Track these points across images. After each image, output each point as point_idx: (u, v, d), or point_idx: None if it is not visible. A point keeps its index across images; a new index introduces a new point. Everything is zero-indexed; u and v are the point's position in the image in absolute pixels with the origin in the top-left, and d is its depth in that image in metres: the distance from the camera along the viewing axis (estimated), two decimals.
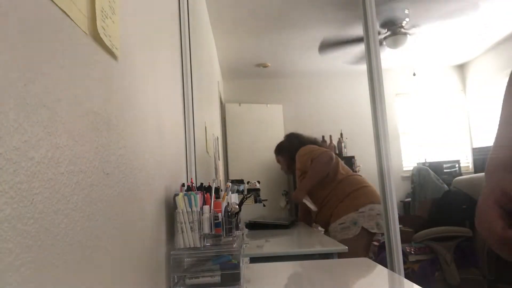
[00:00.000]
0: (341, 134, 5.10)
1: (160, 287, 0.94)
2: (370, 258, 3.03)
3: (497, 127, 0.60)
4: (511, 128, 0.56)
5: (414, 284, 1.05)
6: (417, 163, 4.67)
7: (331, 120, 5.13)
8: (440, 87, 5.41)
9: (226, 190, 1.11)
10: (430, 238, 3.02)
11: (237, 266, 0.99)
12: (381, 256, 3.06)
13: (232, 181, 2.74)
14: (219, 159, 3.67)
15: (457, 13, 3.63)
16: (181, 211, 0.98)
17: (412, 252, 3.02)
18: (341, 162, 2.48)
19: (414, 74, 5.12)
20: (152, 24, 1.05)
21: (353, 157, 4.92)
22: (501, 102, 0.62)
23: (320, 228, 2.58)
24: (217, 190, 1.06)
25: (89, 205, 0.53)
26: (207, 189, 1.07)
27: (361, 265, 1.36)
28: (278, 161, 2.82)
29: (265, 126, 5.14)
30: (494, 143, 0.59)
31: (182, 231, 0.98)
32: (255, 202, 2.88)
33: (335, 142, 5.07)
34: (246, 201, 1.93)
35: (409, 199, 4.59)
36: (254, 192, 2.94)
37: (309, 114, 5.16)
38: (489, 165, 0.54)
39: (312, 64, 4.84)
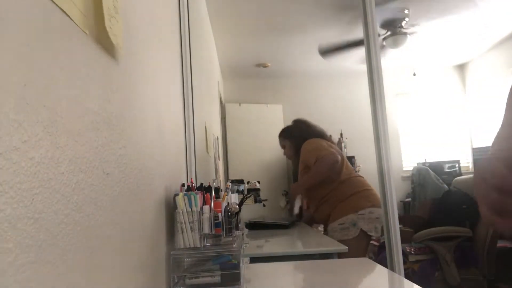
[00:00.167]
0: (341, 134, 5.10)
1: (160, 287, 0.94)
2: (370, 258, 3.03)
3: (499, 126, 0.59)
4: None
5: (414, 284, 1.05)
6: (417, 163, 4.67)
7: (331, 120, 5.13)
8: (440, 87, 5.41)
9: (226, 190, 1.11)
10: (430, 238, 3.02)
11: (237, 266, 0.99)
12: (381, 256, 3.06)
13: (232, 181, 2.74)
14: (219, 159, 3.67)
15: (457, 13, 3.63)
16: (181, 211, 0.98)
17: (412, 252, 3.02)
18: (346, 162, 2.45)
19: (414, 74, 5.12)
20: (152, 24, 1.05)
21: (353, 157, 4.92)
22: (505, 101, 0.62)
23: (320, 228, 2.58)
24: (217, 190, 1.06)
25: (89, 205, 0.53)
26: (207, 189, 1.07)
27: (361, 265, 1.36)
28: (283, 146, 2.70)
29: (265, 126, 5.14)
30: (496, 141, 0.58)
31: (182, 231, 0.98)
32: (255, 202, 2.88)
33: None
34: (246, 201, 1.93)
35: (409, 199, 4.59)
36: (254, 192, 2.94)
37: (309, 114, 5.13)
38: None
39: (312, 64, 4.84)
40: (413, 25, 3.76)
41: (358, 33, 3.75)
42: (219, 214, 1.01)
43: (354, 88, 5.12)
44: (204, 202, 1.01)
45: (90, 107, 0.55)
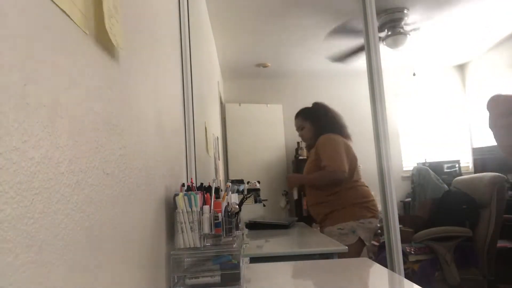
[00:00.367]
0: None
1: (160, 287, 0.94)
2: (370, 258, 3.03)
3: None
4: None
5: (414, 284, 1.05)
6: (417, 163, 4.66)
7: None
8: (440, 87, 5.41)
9: (226, 190, 1.11)
10: (430, 238, 3.02)
11: (237, 266, 0.99)
12: (381, 256, 3.06)
13: (232, 181, 2.74)
14: (219, 159, 3.67)
15: (457, 13, 3.63)
16: (181, 211, 0.98)
17: (412, 252, 3.02)
18: (358, 168, 2.41)
19: (414, 74, 5.12)
20: (152, 24, 1.05)
21: None
22: None
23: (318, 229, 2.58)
24: (217, 190, 1.06)
25: (89, 205, 0.53)
26: (207, 189, 1.07)
27: (361, 265, 1.36)
28: (302, 127, 2.58)
29: (265, 126, 5.14)
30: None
31: (182, 231, 0.98)
32: (255, 202, 2.87)
33: None
34: (246, 201, 1.93)
35: (409, 199, 4.58)
36: (254, 192, 2.93)
37: None
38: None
39: (312, 64, 4.84)
40: (413, 25, 3.76)
41: (359, 32, 3.75)
42: (219, 214, 1.01)
43: (354, 88, 5.12)
44: (204, 202, 1.01)
45: (90, 107, 0.55)
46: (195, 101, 1.65)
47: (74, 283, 0.47)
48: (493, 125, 0.54)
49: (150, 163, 0.90)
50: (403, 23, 3.67)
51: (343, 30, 3.92)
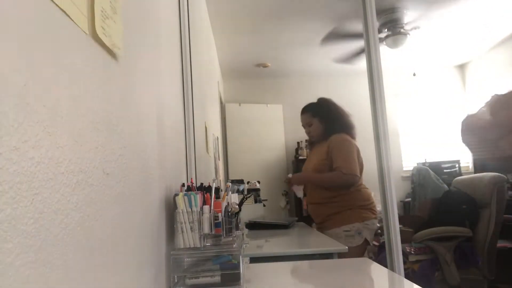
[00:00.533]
0: None
1: (160, 287, 0.94)
2: (370, 258, 3.03)
3: None
4: None
5: (414, 284, 1.05)
6: (417, 163, 4.66)
7: None
8: (440, 87, 5.41)
9: (226, 190, 1.11)
10: (430, 238, 3.02)
11: (237, 266, 0.99)
12: (381, 256, 3.06)
13: (232, 181, 2.74)
14: (219, 159, 3.68)
15: (457, 13, 3.63)
16: (181, 211, 0.98)
17: (412, 252, 3.02)
18: (362, 173, 2.40)
19: (414, 74, 5.12)
20: (152, 24, 1.05)
21: None
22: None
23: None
24: (217, 190, 1.05)
25: (89, 205, 0.53)
26: (207, 189, 1.07)
27: (361, 265, 1.36)
28: (309, 124, 2.47)
29: (265, 126, 5.14)
30: None
31: (182, 231, 0.98)
32: (255, 202, 2.87)
33: None
34: (246, 201, 1.92)
35: (409, 199, 4.59)
36: (254, 192, 2.93)
37: None
38: None
39: (312, 64, 4.84)
40: (413, 25, 3.76)
41: (358, 32, 3.75)
42: (219, 214, 1.01)
43: (354, 88, 5.12)
44: (204, 202, 1.01)
45: (90, 107, 0.55)
46: (195, 101, 1.65)
47: (74, 283, 0.47)
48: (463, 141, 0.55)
49: (150, 163, 0.90)
50: (403, 23, 3.67)
51: (337, 36, 3.94)
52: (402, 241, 1.67)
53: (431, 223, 3.16)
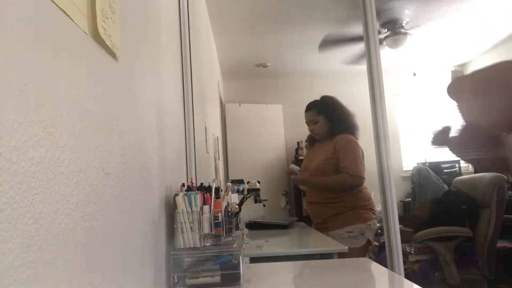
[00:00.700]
0: None
1: (160, 287, 0.94)
2: (370, 258, 3.03)
3: None
4: None
5: (414, 284, 1.05)
6: (417, 163, 4.67)
7: None
8: (440, 87, 5.41)
9: (226, 190, 1.11)
10: (430, 238, 3.02)
11: (237, 266, 0.99)
12: (381, 256, 3.06)
13: (232, 181, 2.73)
14: (219, 159, 3.68)
15: (457, 13, 3.63)
16: (181, 211, 0.98)
17: (412, 252, 3.02)
18: None
19: (414, 74, 5.13)
20: (152, 24, 1.05)
21: None
22: None
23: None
24: (217, 190, 1.05)
25: (89, 205, 0.53)
26: (207, 189, 1.07)
27: (361, 265, 1.36)
28: (315, 121, 2.43)
29: (265, 126, 5.15)
30: None
31: (182, 231, 0.98)
32: (255, 202, 2.87)
33: None
34: (246, 201, 1.92)
35: (409, 199, 4.59)
36: (254, 192, 2.93)
37: None
38: None
39: (312, 64, 4.84)
40: (413, 25, 3.76)
41: (358, 33, 3.75)
42: (219, 214, 1.01)
43: (354, 88, 5.12)
44: (204, 202, 1.01)
45: (90, 107, 0.55)
46: (195, 101, 1.65)
47: (74, 283, 0.47)
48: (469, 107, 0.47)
49: (150, 163, 0.90)
50: (403, 23, 3.67)
51: (336, 41, 3.94)
52: (402, 241, 1.67)
53: (431, 223, 3.16)
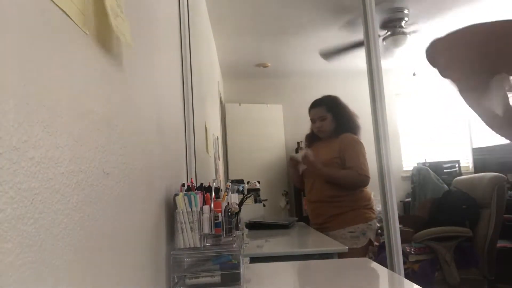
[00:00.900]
0: None
1: (160, 287, 0.94)
2: (370, 258, 3.03)
3: None
4: None
5: (414, 284, 1.05)
6: (417, 163, 4.67)
7: None
8: (440, 87, 5.41)
9: (226, 190, 1.11)
10: (430, 238, 3.02)
11: (237, 266, 0.99)
12: (381, 256, 3.06)
13: (232, 181, 2.74)
14: (219, 159, 3.68)
15: (457, 13, 3.63)
16: (181, 211, 0.98)
17: (412, 252, 3.02)
18: None
19: (414, 74, 5.12)
20: (152, 24, 1.05)
21: None
22: None
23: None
24: (217, 190, 1.06)
25: (89, 205, 0.53)
26: (207, 189, 1.07)
27: (361, 265, 1.36)
28: (323, 118, 2.38)
29: (265, 126, 5.15)
30: None
31: (182, 231, 0.98)
32: (255, 202, 2.87)
33: None
34: (246, 201, 1.92)
35: (409, 199, 4.59)
36: (254, 192, 2.94)
37: None
38: None
39: (312, 64, 4.84)
40: (413, 25, 3.76)
41: (358, 33, 3.75)
42: (219, 214, 1.01)
43: (354, 88, 5.12)
44: (204, 202, 1.01)
45: (90, 107, 0.55)
46: (195, 101, 1.65)
47: (74, 283, 0.47)
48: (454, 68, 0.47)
49: (150, 163, 0.90)
50: (403, 23, 3.67)
51: (338, 50, 3.92)
52: (402, 241, 1.67)
53: (431, 223, 3.16)
